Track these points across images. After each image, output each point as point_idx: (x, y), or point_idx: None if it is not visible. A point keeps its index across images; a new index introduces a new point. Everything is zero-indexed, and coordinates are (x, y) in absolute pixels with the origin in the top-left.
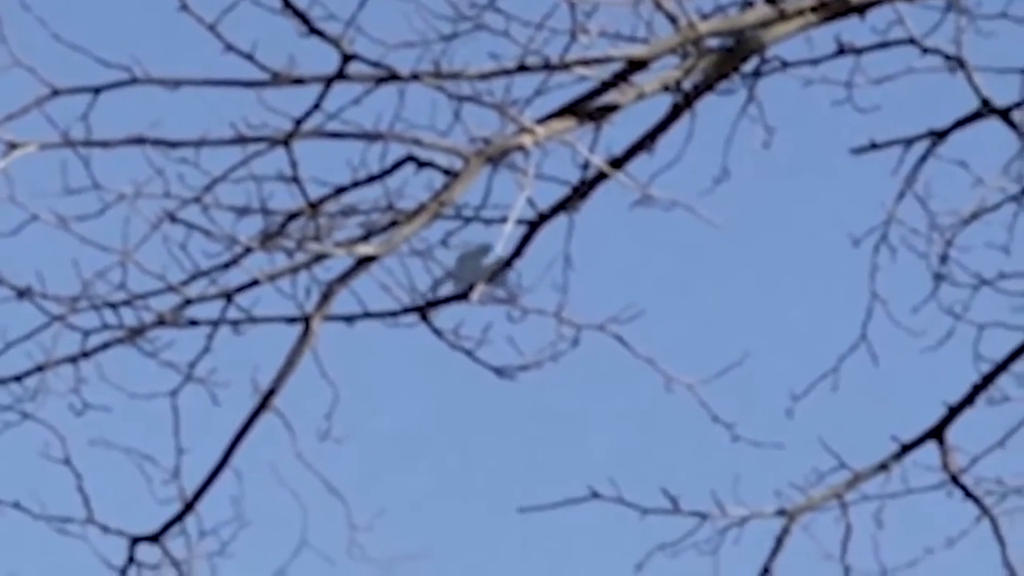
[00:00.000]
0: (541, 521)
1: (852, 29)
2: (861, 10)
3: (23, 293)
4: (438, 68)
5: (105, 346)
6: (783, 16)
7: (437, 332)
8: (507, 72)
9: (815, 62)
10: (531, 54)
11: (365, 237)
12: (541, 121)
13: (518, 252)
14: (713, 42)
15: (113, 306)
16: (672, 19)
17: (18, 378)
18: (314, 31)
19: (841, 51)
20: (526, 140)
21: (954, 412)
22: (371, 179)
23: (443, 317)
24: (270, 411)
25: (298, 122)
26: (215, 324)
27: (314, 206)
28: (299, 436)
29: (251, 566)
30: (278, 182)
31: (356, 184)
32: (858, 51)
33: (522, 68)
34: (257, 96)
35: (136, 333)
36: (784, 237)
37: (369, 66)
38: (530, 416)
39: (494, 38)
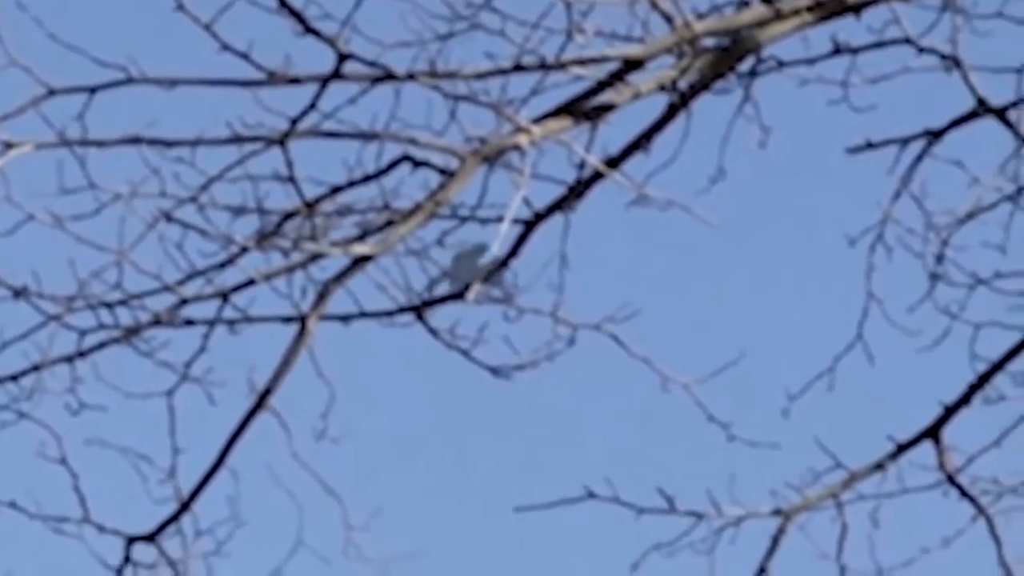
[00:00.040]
0: (537, 521)
1: (848, 29)
2: (857, 10)
3: (19, 293)
4: (434, 68)
5: (101, 346)
6: (779, 16)
7: (433, 332)
8: (503, 72)
9: (811, 62)
10: (527, 54)
11: (361, 237)
12: (537, 121)
13: (514, 252)
14: (709, 42)
15: (109, 306)
16: (668, 19)
17: (14, 377)
18: (310, 31)
19: (837, 51)
20: (522, 140)
21: (950, 412)
22: (367, 179)
23: (439, 317)
24: (266, 411)
25: (294, 122)
26: (211, 324)
27: (310, 206)
28: (295, 436)
29: (247, 566)
30: (274, 182)
31: (352, 184)
32: (854, 51)
33: (518, 68)
34: (253, 96)
35: (132, 333)
36: (780, 237)
37: (365, 66)
38: (526, 416)
39: (490, 38)
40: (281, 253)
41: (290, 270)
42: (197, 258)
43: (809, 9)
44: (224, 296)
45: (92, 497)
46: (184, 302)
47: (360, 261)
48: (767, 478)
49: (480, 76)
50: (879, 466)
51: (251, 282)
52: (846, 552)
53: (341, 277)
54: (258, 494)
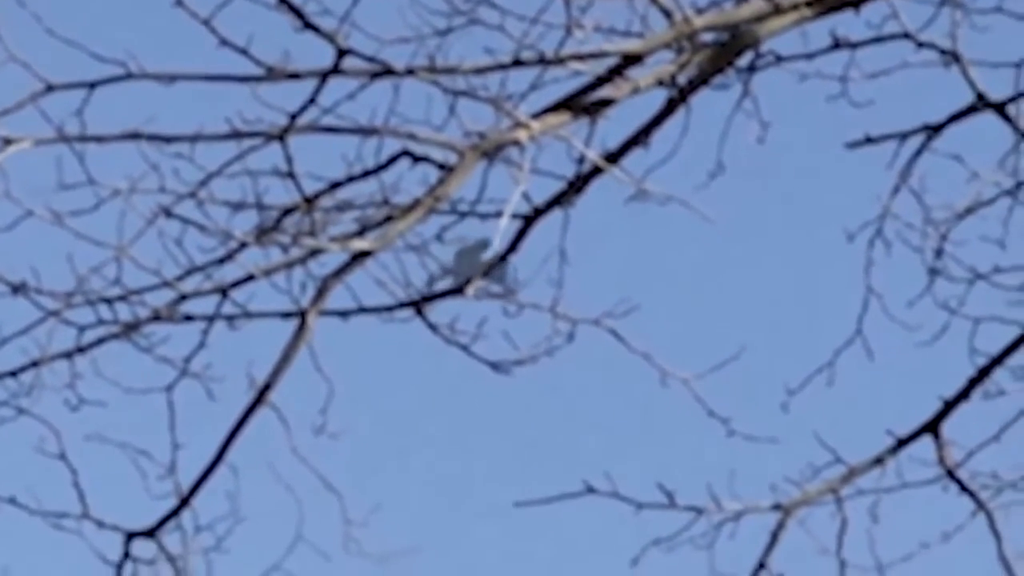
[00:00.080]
0: (537, 515)
1: (847, 23)
2: (856, 4)
3: (18, 288)
4: (433, 63)
5: (100, 341)
6: (778, 10)
7: (432, 327)
8: (502, 67)
9: (810, 56)
10: (526, 49)
11: (360, 232)
12: (536, 116)
13: (513, 247)
14: (708, 36)
15: (108, 301)
16: (667, 13)
17: (13, 373)
18: (309, 26)
19: (836, 45)
20: (521, 135)
21: (950, 406)
22: (366, 174)
23: (438, 312)
24: (265, 406)
25: (293, 117)
26: (210, 319)
27: (309, 201)
28: (294, 431)
29: (247, 561)
30: (273, 177)
31: (351, 179)
32: (853, 45)
33: (517, 63)
34: (252, 91)
35: (131, 328)
36: (779, 231)
37: (364, 61)
38: (526, 411)
39: (489, 33)
40: (280, 248)
41: (289, 265)
42: (196, 254)
43: (808, 4)
44: (223, 292)
45: (92, 493)
46: (183, 298)
47: (359, 256)
48: (767, 473)
49: (479, 71)
50: (879, 461)
51: (250, 277)
52: (846, 547)
53: (340, 272)
54: (257, 490)
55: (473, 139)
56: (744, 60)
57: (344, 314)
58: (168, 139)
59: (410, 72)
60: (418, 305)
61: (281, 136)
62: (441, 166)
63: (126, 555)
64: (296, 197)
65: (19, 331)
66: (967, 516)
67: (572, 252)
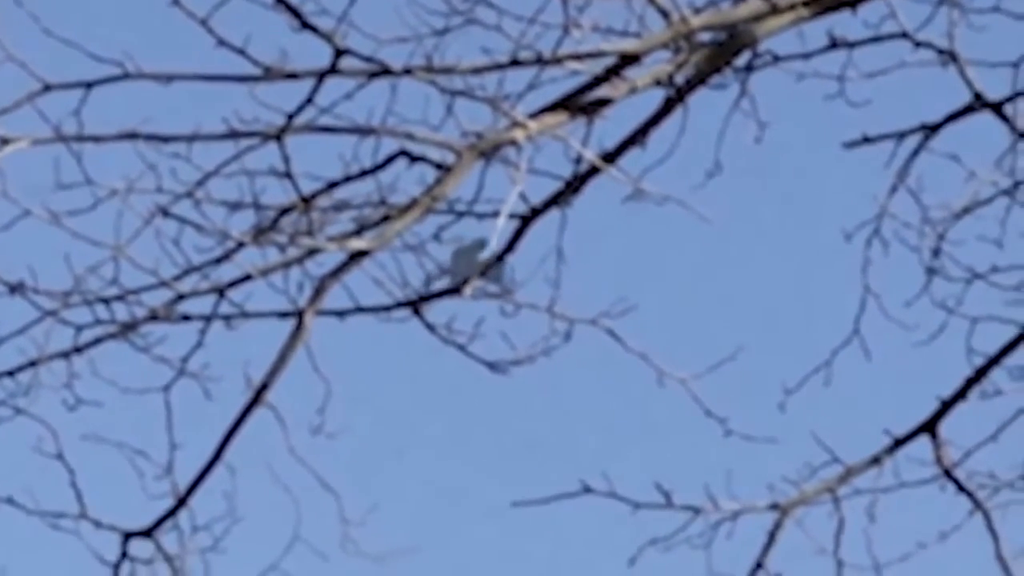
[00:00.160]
0: (534, 515)
1: (844, 23)
2: (853, 4)
3: (15, 288)
4: (430, 63)
5: (97, 341)
6: (775, 10)
7: (430, 327)
8: (499, 67)
9: (807, 56)
10: (523, 49)
11: (357, 232)
12: (533, 116)
13: (511, 247)
14: (705, 36)
15: (105, 301)
16: (664, 13)
17: (11, 373)
18: (306, 26)
19: (833, 45)
20: (518, 135)
21: (947, 406)
22: (363, 174)
23: (436, 312)
24: (263, 406)
25: (290, 117)
26: (208, 319)
27: (306, 201)
28: (292, 431)
29: (244, 561)
30: (270, 177)
31: (348, 179)
32: (850, 45)
33: (514, 63)
34: (249, 91)
35: (129, 328)
36: (776, 231)
37: (361, 61)
38: (523, 411)
39: (486, 32)
40: (277, 248)
41: (286, 265)
42: (193, 253)
43: (805, 4)
44: (220, 291)
45: (89, 493)
46: (180, 297)
47: (356, 256)
48: (764, 472)
49: (476, 71)
50: (876, 460)
51: (247, 277)
52: (843, 546)
53: (337, 272)
54: (255, 489)
55: (470, 139)
56: (741, 60)
57: (341, 314)
58: (165, 139)
59: (407, 72)
60: (415, 305)
61: (278, 136)
62: (438, 166)
63: (123, 555)
64: (293, 197)
65: (16, 331)
66: (964, 516)
67: (569, 252)
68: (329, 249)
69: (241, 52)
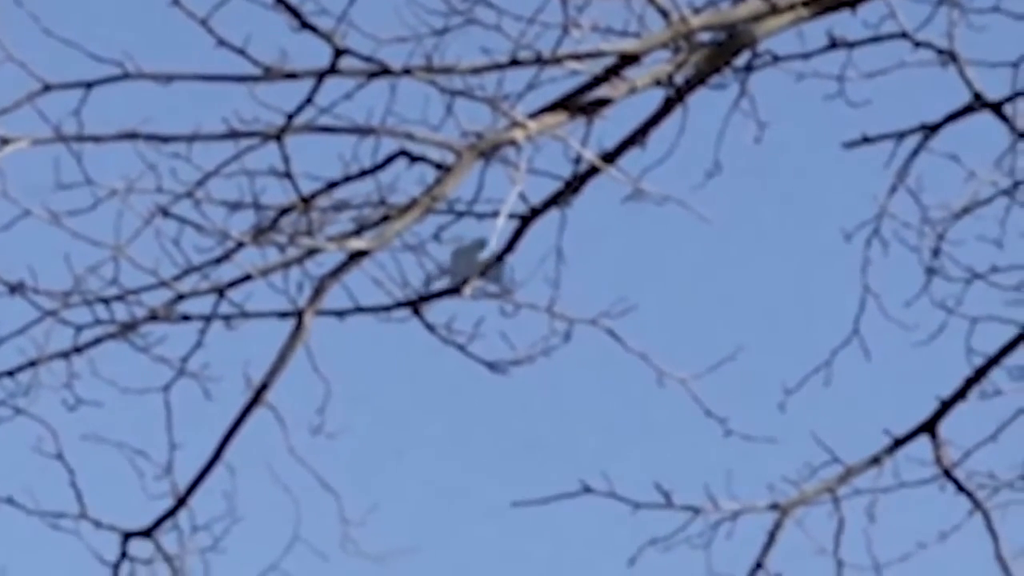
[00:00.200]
0: (534, 515)
1: (844, 23)
2: (853, 4)
3: (15, 288)
4: (430, 63)
5: (97, 341)
6: (775, 10)
7: (429, 327)
8: (499, 67)
9: (807, 56)
10: (523, 48)
11: (357, 232)
12: (533, 115)
13: (510, 247)
14: (705, 36)
15: (105, 301)
16: (664, 13)
17: (11, 373)
18: (306, 26)
19: (833, 45)
20: (518, 134)
21: (946, 406)
22: (363, 174)
23: (435, 312)
24: (263, 406)
25: (290, 117)
26: (207, 319)
27: (306, 201)
28: (292, 431)
29: (244, 561)
30: (270, 177)
31: (348, 179)
32: (850, 45)
33: (514, 63)
34: (249, 91)
35: (128, 328)
36: (776, 231)
37: (361, 61)
38: (522, 411)
39: (486, 32)
40: (277, 248)
41: (286, 265)
42: (193, 253)
43: (805, 4)
44: (220, 291)
45: (89, 493)
46: (180, 297)
47: (356, 256)
48: (764, 472)
49: (476, 71)
50: (876, 460)
51: (247, 277)
52: (843, 546)
53: (337, 272)
54: (255, 489)
55: (470, 139)
56: (741, 60)
57: (341, 314)
58: (165, 139)
59: (407, 72)
60: (415, 305)
61: (278, 136)
62: (438, 166)
63: (123, 555)
64: (293, 197)
65: (16, 331)
66: (964, 516)
67: (569, 252)
68: (329, 249)
69: (241, 52)
